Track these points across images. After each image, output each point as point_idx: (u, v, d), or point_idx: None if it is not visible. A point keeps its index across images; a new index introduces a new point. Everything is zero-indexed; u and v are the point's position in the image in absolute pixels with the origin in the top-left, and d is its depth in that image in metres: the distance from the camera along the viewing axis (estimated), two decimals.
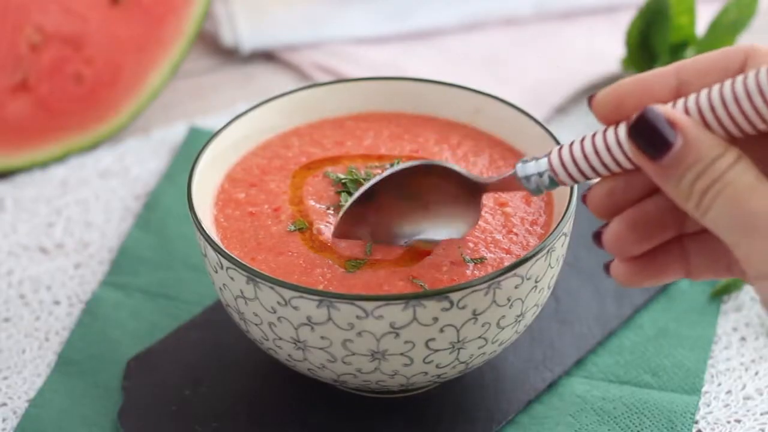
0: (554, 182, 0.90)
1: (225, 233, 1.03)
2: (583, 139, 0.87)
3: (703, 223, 0.80)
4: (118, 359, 1.11)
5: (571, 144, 0.88)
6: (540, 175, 0.90)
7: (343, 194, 1.05)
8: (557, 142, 1.06)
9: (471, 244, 1.00)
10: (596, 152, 0.86)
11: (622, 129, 0.84)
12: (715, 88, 0.81)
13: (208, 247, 0.98)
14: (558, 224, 0.98)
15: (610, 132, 0.86)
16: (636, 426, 1.05)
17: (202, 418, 1.05)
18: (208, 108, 1.41)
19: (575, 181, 0.89)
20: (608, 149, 0.85)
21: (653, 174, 0.82)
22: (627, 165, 0.85)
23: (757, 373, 1.09)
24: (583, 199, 0.89)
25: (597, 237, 0.88)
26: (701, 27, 1.41)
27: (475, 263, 0.98)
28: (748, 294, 1.16)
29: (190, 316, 1.14)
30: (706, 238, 0.86)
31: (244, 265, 0.96)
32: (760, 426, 1.05)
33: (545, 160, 0.90)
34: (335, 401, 1.06)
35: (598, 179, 0.88)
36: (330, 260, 0.99)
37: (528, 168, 0.91)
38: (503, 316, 0.98)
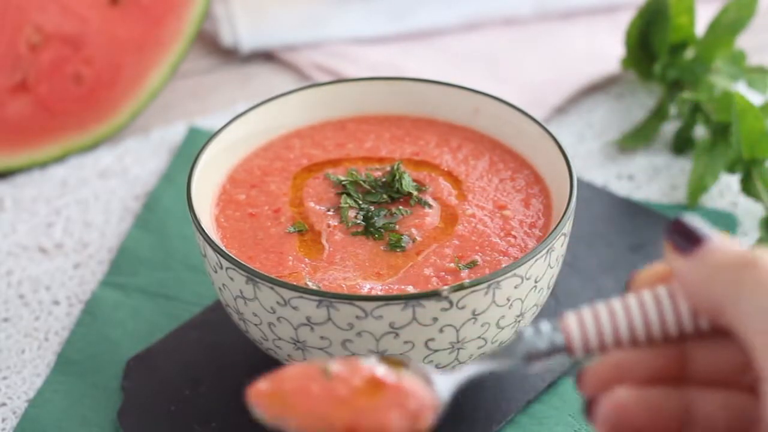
0: (557, 350, 0.81)
1: (225, 233, 1.03)
2: (599, 306, 0.81)
3: (727, 314, 0.76)
4: (118, 359, 1.11)
5: (591, 307, 0.81)
6: (547, 337, 0.81)
7: (343, 196, 1.04)
8: (557, 143, 1.06)
9: (467, 248, 1.00)
10: (627, 312, 0.80)
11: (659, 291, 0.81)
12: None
13: (208, 247, 0.98)
14: (558, 224, 0.98)
15: (646, 294, 0.81)
16: None
17: (202, 418, 1.05)
18: (207, 108, 1.41)
19: (588, 348, 0.80)
20: (643, 309, 0.80)
21: (682, 267, 0.79)
22: (657, 331, 0.80)
23: None
24: (579, 375, 0.80)
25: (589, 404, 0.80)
26: (700, 27, 1.41)
27: (469, 268, 0.98)
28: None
29: (189, 316, 1.14)
30: None
31: (244, 265, 0.96)
32: None
33: (554, 324, 0.81)
34: None
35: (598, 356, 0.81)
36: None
37: (532, 333, 0.81)
38: (503, 317, 0.97)
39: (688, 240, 0.79)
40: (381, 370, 0.83)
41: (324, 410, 0.82)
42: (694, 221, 0.79)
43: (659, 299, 0.79)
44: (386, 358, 0.84)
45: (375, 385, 0.82)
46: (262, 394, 0.84)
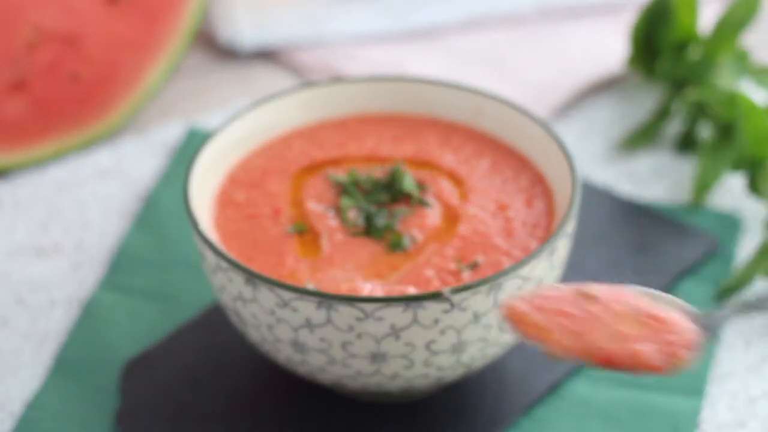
0: None
1: (224, 234, 1.02)
2: None
3: None
4: (116, 361, 1.10)
5: None
6: None
7: (343, 196, 1.04)
8: (560, 143, 1.05)
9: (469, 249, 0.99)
10: None
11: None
12: None
13: (206, 248, 0.98)
14: (560, 225, 0.97)
15: None
16: (639, 429, 1.04)
17: (200, 421, 1.04)
18: (207, 108, 1.40)
19: None
20: None
21: None
22: None
23: (762, 376, 1.08)
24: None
25: None
26: (701, 25, 1.41)
27: (470, 269, 0.98)
28: (753, 296, 1.15)
29: (188, 317, 1.14)
30: None
31: (243, 266, 0.95)
32: (764, 429, 1.04)
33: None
34: (335, 405, 1.05)
35: None
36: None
37: None
38: None
39: None
40: (645, 299, 0.81)
41: (584, 331, 0.80)
42: None
43: None
44: (647, 291, 0.83)
45: (637, 313, 0.80)
46: (520, 313, 0.82)
